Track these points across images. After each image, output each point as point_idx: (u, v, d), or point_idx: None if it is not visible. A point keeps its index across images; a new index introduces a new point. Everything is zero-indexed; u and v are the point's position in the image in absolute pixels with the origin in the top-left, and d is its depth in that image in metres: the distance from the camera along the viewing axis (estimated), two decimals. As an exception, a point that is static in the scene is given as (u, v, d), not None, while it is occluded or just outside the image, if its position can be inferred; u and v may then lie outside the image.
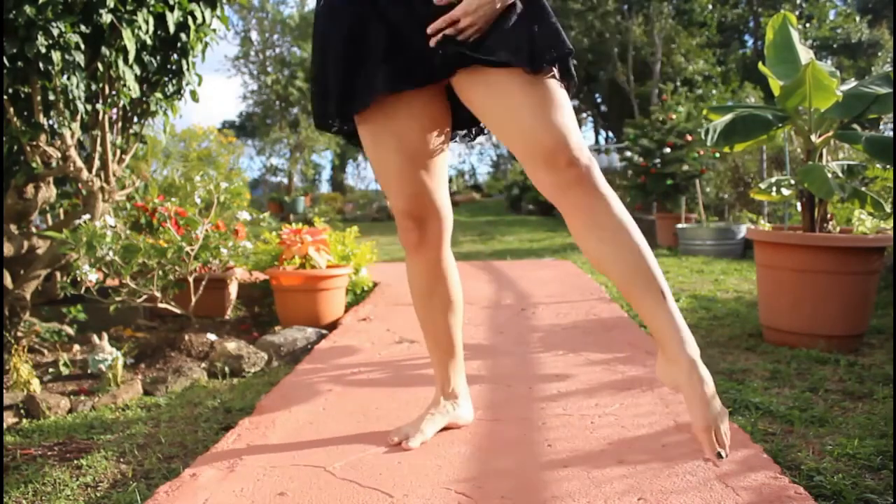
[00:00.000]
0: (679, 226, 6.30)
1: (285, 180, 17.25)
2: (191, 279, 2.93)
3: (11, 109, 2.47)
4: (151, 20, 2.59)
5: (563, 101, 1.34)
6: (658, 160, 7.41)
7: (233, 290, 3.60)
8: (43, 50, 2.24)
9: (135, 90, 2.66)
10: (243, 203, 4.75)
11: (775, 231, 2.83)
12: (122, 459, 1.64)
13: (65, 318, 3.01)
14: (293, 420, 1.79)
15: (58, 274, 2.84)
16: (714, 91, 12.74)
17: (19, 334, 2.61)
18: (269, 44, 18.04)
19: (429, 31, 1.30)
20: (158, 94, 2.93)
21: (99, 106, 2.65)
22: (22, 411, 2.02)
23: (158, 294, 2.80)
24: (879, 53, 15.54)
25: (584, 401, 1.89)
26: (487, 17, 1.30)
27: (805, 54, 2.70)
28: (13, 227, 2.72)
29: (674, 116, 7.61)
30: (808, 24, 15.92)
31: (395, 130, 1.46)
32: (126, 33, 2.46)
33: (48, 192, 2.78)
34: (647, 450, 1.52)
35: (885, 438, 1.60)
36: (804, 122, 2.70)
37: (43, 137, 2.53)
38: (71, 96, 2.42)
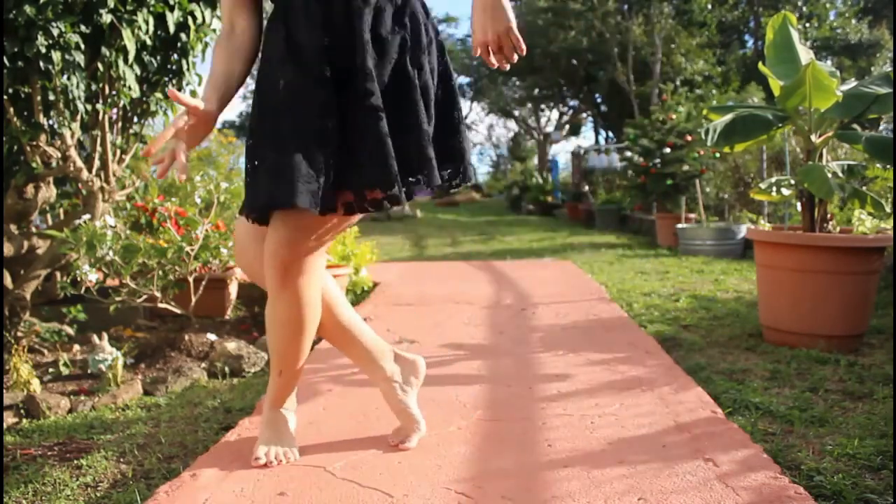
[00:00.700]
0: (679, 226, 6.30)
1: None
2: (191, 279, 2.93)
3: (11, 109, 2.47)
4: (151, 20, 2.59)
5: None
6: (658, 160, 7.41)
7: (233, 290, 3.59)
8: (43, 50, 2.24)
9: (135, 90, 2.66)
10: (243, 203, 4.74)
11: (775, 231, 2.83)
12: (122, 459, 1.64)
13: (65, 318, 3.01)
14: (293, 420, 1.78)
15: (58, 274, 2.83)
16: (714, 91, 12.73)
17: (19, 334, 2.61)
18: (269, 44, 18.06)
19: None
20: (158, 94, 2.93)
21: (99, 106, 2.65)
22: (22, 411, 2.02)
23: (158, 294, 2.80)
24: (879, 54, 15.54)
25: (584, 401, 1.89)
26: None
27: (805, 54, 2.70)
28: (13, 227, 2.72)
29: (674, 116, 7.61)
30: (808, 24, 15.92)
31: None
32: (126, 33, 2.46)
33: (48, 192, 2.78)
34: (647, 450, 1.52)
35: (885, 438, 1.60)
36: (804, 122, 2.70)
37: (43, 137, 2.53)
38: (71, 96, 2.42)
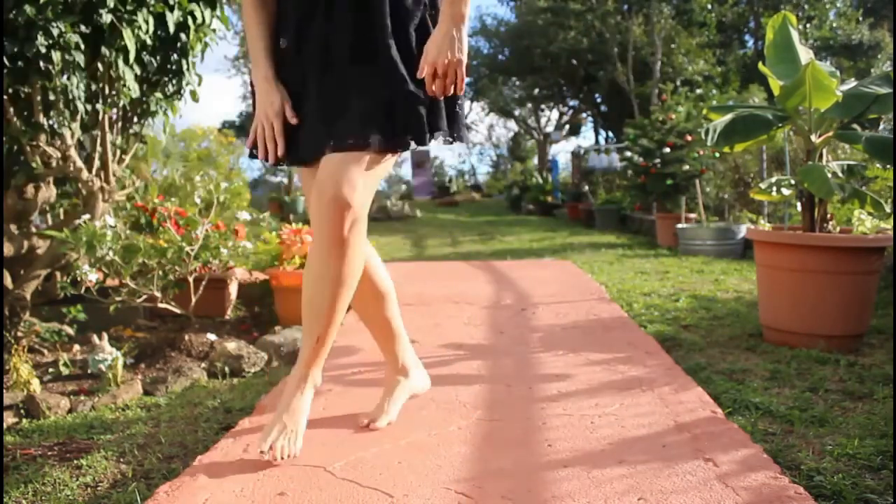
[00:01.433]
0: (679, 226, 6.30)
1: (285, 180, 17.24)
2: (191, 279, 2.93)
3: (11, 109, 2.47)
4: (151, 20, 2.59)
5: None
6: (658, 160, 7.41)
7: (233, 290, 3.59)
8: (43, 50, 2.24)
9: (135, 90, 2.66)
10: (243, 203, 4.76)
11: (775, 231, 2.83)
12: (122, 459, 1.64)
13: (65, 318, 3.01)
14: (293, 420, 1.78)
15: (58, 274, 2.83)
16: (714, 91, 12.72)
17: (19, 334, 2.61)
18: (269, 44, 18.05)
19: None
20: (158, 94, 2.93)
21: (99, 106, 2.65)
22: (22, 411, 2.02)
23: (158, 294, 2.80)
24: (879, 56, 15.53)
25: (584, 401, 1.89)
26: None
27: (805, 54, 2.70)
28: (13, 227, 2.72)
29: (673, 116, 7.61)
30: (808, 25, 15.91)
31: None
32: (126, 33, 2.46)
33: (48, 192, 2.78)
34: (647, 450, 1.52)
35: (885, 438, 1.60)
36: (804, 122, 2.70)
37: (43, 137, 2.53)
38: (71, 96, 2.42)
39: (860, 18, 16.13)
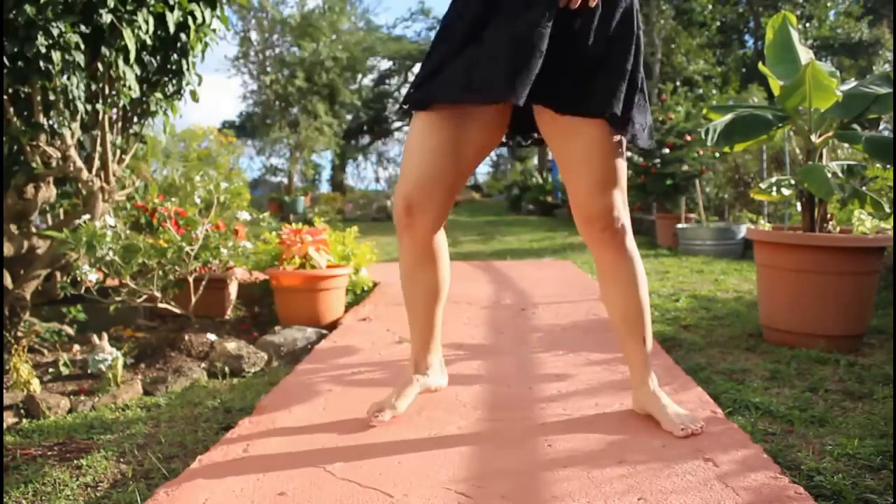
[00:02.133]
0: (679, 226, 6.30)
1: (285, 180, 17.23)
2: (191, 279, 2.93)
3: (11, 109, 2.47)
4: (151, 20, 2.59)
5: (623, 168, 1.56)
6: (658, 160, 7.41)
7: (233, 290, 3.60)
8: (43, 50, 2.24)
9: (135, 90, 2.66)
10: (243, 203, 4.75)
11: (775, 231, 2.83)
12: (122, 459, 1.64)
13: (65, 318, 3.01)
14: (293, 420, 1.79)
15: (58, 274, 2.83)
16: (714, 91, 12.72)
17: (19, 334, 2.61)
18: (269, 44, 18.03)
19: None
20: (158, 94, 2.93)
21: (99, 106, 2.65)
22: (22, 411, 2.02)
23: (158, 294, 2.80)
24: (880, 52, 15.52)
25: (584, 401, 1.89)
26: None
27: (805, 54, 2.70)
28: (13, 227, 2.72)
29: (673, 116, 7.61)
30: (808, 24, 15.90)
31: (460, 132, 1.55)
32: (126, 33, 2.46)
33: (48, 192, 2.78)
34: (647, 450, 1.52)
35: (885, 438, 1.60)
36: (804, 122, 2.70)
37: (43, 137, 2.53)
38: (71, 96, 2.42)
39: (859, 17, 16.13)
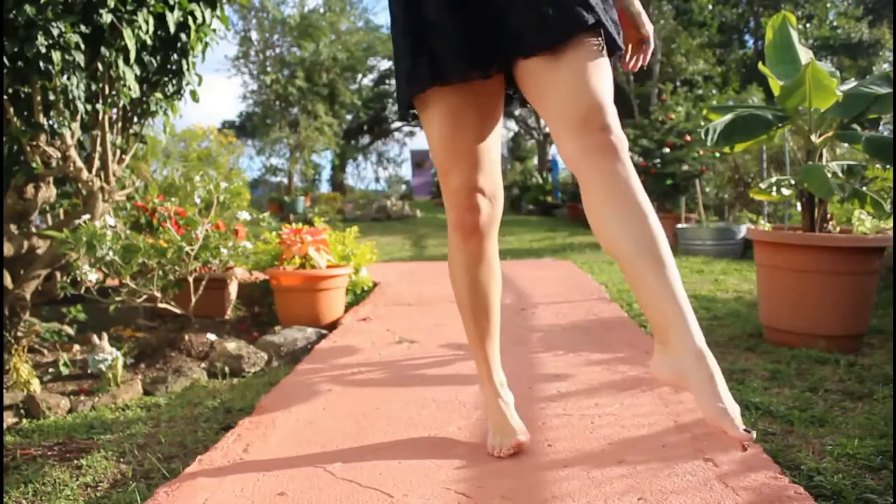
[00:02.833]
0: (679, 226, 6.30)
1: (285, 180, 17.23)
2: (191, 279, 2.93)
3: (11, 109, 2.47)
4: (151, 20, 2.59)
5: (607, 69, 1.33)
6: (658, 160, 7.41)
7: (233, 290, 3.60)
8: (43, 50, 2.24)
9: (135, 90, 2.66)
10: (243, 203, 4.76)
11: (775, 231, 2.83)
12: (122, 459, 1.64)
13: (65, 318, 3.01)
14: (293, 420, 1.79)
15: (58, 274, 2.84)
16: (714, 91, 12.72)
17: (19, 334, 2.61)
18: (269, 44, 18.03)
19: None
20: (158, 94, 2.93)
21: (99, 106, 2.65)
22: (22, 411, 2.02)
23: (158, 294, 2.80)
24: (880, 53, 15.52)
25: (584, 401, 1.89)
26: None
27: (805, 54, 2.70)
28: (13, 227, 2.72)
29: (673, 116, 7.61)
30: (808, 24, 15.90)
31: (477, 104, 1.42)
32: (126, 33, 2.46)
33: (48, 192, 2.78)
34: (647, 450, 1.52)
35: (885, 438, 1.60)
36: (804, 122, 2.70)
37: (43, 137, 2.53)
38: (71, 96, 2.42)
39: (859, 17, 16.12)
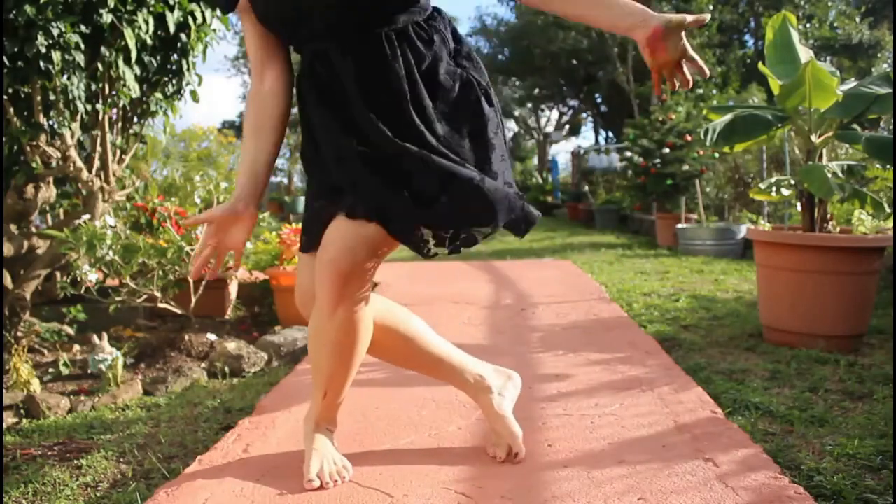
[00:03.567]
0: (679, 226, 6.30)
1: (285, 180, 17.24)
2: (191, 279, 2.93)
3: (11, 109, 2.47)
4: (151, 20, 2.59)
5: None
6: (658, 160, 7.41)
7: (233, 290, 3.59)
8: (43, 50, 2.24)
9: (135, 90, 2.66)
10: (243, 203, 4.73)
11: (775, 231, 2.83)
12: (122, 459, 1.64)
13: (65, 318, 3.01)
14: (293, 420, 1.79)
15: (58, 274, 2.83)
16: (714, 91, 12.73)
17: (19, 334, 2.61)
18: (269, 44, 18.04)
19: None
20: (158, 94, 2.93)
21: (99, 106, 2.65)
22: (22, 411, 2.02)
23: (158, 294, 2.80)
24: (879, 54, 15.52)
25: (584, 401, 1.89)
26: None
27: (805, 54, 2.70)
28: (13, 227, 2.72)
29: (673, 116, 7.61)
30: (808, 24, 15.90)
31: None
32: (126, 33, 2.46)
33: (48, 192, 2.78)
34: (647, 450, 1.52)
35: (885, 438, 1.60)
36: (804, 122, 2.70)
37: (43, 137, 2.53)
38: (71, 96, 2.42)
39: (859, 17, 16.12)
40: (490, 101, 1.34)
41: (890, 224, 2.79)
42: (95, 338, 2.47)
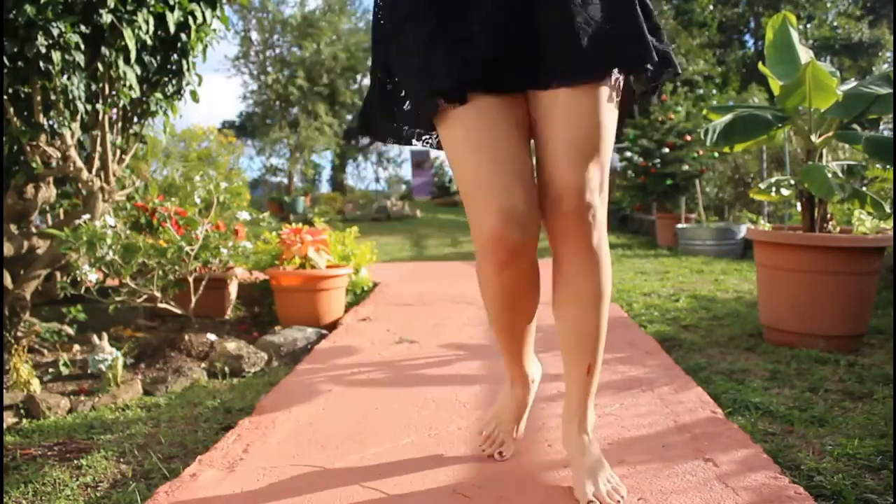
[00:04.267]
0: (679, 226, 6.31)
1: (285, 180, 17.24)
2: (191, 279, 2.93)
3: (11, 109, 2.47)
4: (151, 20, 2.59)
5: (610, 131, 1.22)
6: (658, 160, 7.41)
7: (233, 290, 3.59)
8: (43, 50, 2.24)
9: (135, 90, 2.66)
10: (243, 203, 4.75)
11: (775, 231, 2.83)
12: (122, 459, 1.64)
13: (65, 318, 3.01)
14: (293, 420, 1.79)
15: (58, 274, 2.83)
16: (714, 91, 12.73)
17: (19, 334, 2.61)
18: (269, 44, 18.04)
19: None
20: (158, 94, 2.93)
21: (99, 106, 2.65)
22: (22, 411, 2.02)
23: (158, 294, 2.80)
24: (880, 53, 15.52)
25: (584, 401, 1.89)
26: None
27: (805, 54, 2.70)
28: (13, 227, 2.72)
29: (673, 116, 7.61)
30: (808, 25, 15.91)
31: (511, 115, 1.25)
32: (126, 33, 2.46)
33: (48, 192, 2.78)
34: (647, 450, 1.52)
35: (885, 438, 1.60)
36: (804, 122, 2.70)
37: (43, 137, 2.53)
38: (71, 96, 2.42)
39: (859, 17, 16.12)
40: None
41: (890, 224, 2.79)
42: (95, 338, 2.47)
